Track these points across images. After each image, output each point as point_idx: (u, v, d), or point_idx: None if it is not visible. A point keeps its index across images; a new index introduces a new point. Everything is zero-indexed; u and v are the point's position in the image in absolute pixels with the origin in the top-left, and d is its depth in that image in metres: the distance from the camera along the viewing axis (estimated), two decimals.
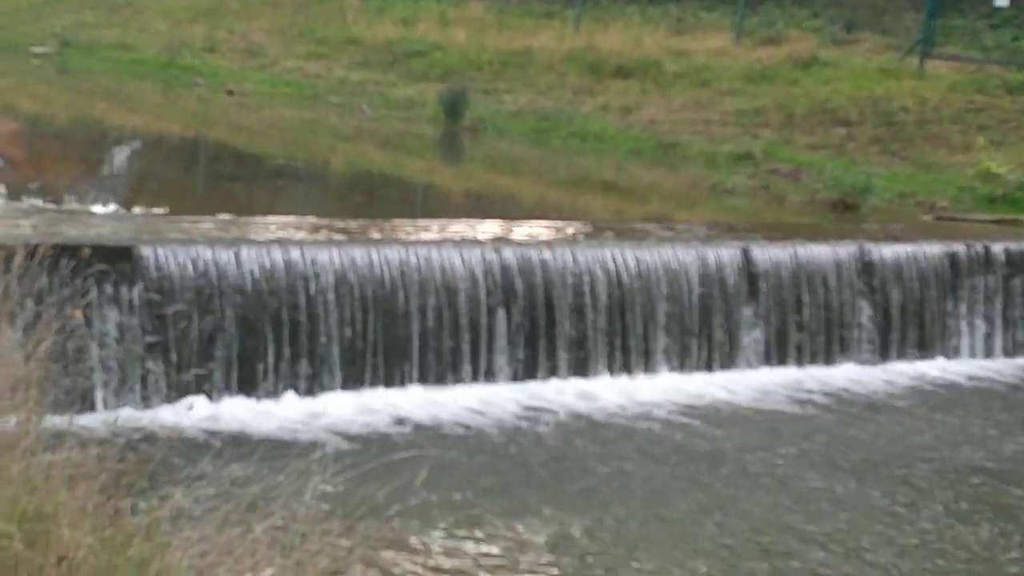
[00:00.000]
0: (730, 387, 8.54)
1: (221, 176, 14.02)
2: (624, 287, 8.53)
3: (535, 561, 5.73)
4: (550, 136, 15.74)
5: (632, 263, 8.55)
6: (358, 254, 7.73)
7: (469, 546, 5.84)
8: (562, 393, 8.08)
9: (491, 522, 6.08)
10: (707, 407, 8.15)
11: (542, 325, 8.27)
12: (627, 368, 8.47)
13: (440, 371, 7.98)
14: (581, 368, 8.38)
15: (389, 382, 7.83)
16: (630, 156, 15.28)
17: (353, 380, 7.75)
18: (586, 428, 7.65)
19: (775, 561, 5.83)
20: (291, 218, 9.21)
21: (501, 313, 8.12)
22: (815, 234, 10.35)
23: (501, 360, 8.16)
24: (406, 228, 8.95)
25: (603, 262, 8.47)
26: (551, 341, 8.29)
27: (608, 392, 8.18)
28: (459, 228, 9.16)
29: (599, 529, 6.07)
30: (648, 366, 8.54)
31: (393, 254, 7.87)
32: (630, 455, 7.17)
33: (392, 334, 7.84)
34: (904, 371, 9.29)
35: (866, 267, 9.41)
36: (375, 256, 7.82)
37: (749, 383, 8.68)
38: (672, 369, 8.69)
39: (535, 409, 7.82)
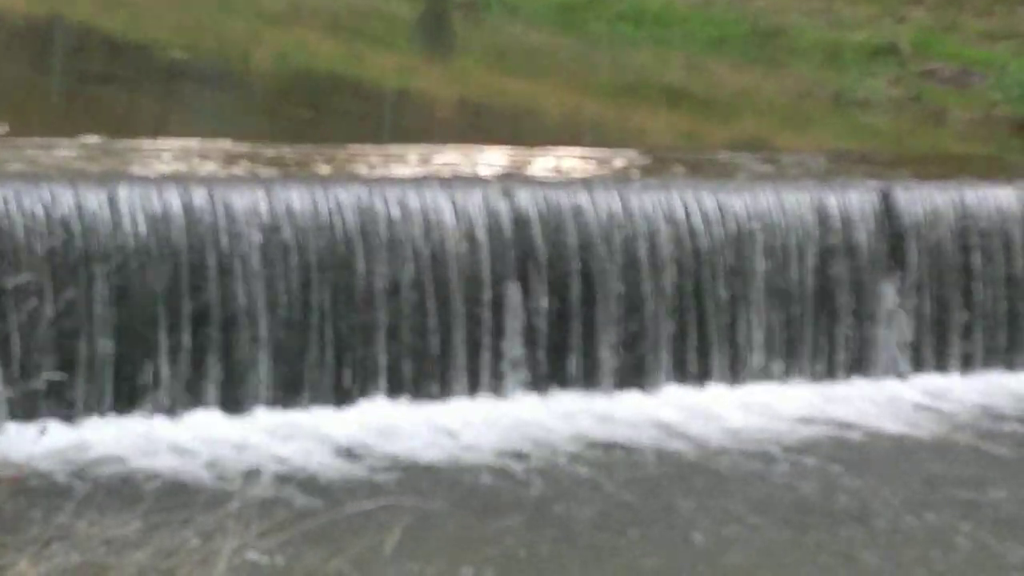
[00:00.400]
0: (863, 406, 8.81)
1: (88, 77, 14.37)
2: (700, 251, 8.74)
3: None
4: (587, 18, 17.01)
5: (714, 214, 8.78)
6: (297, 198, 7.89)
7: None
8: (608, 414, 8.31)
9: None
10: (831, 438, 8.30)
11: (576, 309, 8.48)
12: (704, 375, 8.68)
13: (421, 379, 8.17)
14: (634, 375, 8.62)
15: (343, 396, 8.04)
16: (710, 49, 16.02)
17: (289, 391, 7.97)
18: (649, 469, 7.76)
19: None
20: (194, 141, 9.50)
21: (514, 290, 8.32)
22: (992, 171, 10.76)
23: (514, 362, 8.38)
24: (369, 158, 9.18)
25: (669, 212, 8.69)
26: (589, 334, 8.51)
27: (675, 412, 8.40)
28: (450, 159, 9.41)
29: None
30: (736, 372, 8.83)
31: (350, 198, 8.04)
32: (730, 514, 7.32)
33: (349, 322, 8.02)
34: None
35: None
36: (323, 201, 7.98)
37: (891, 398, 9.01)
38: (771, 377, 8.94)
39: (567, 438, 7.99)
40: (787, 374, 9.03)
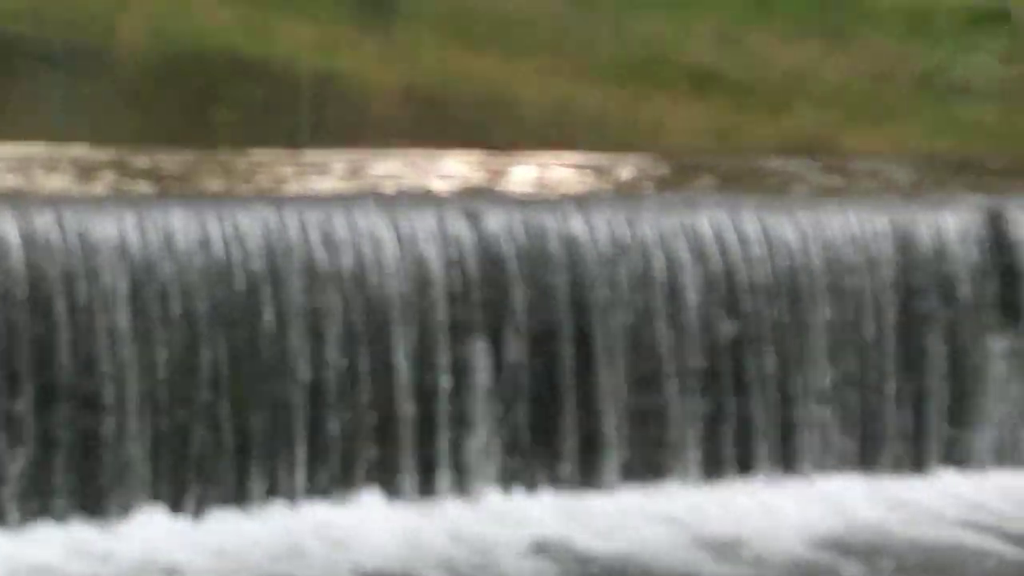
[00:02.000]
0: (957, 512, 7.56)
1: None
2: (738, 291, 7.58)
3: None
4: None
5: (758, 242, 7.66)
6: (179, 225, 7.05)
7: None
8: (618, 521, 7.17)
9: None
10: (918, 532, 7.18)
11: (568, 374, 7.40)
12: (745, 465, 7.57)
13: (354, 473, 7.18)
14: (650, 466, 7.47)
15: (244, 495, 7.09)
16: (750, 15, 16.18)
17: (169, 488, 7.02)
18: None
19: None
20: (38, 146, 9.03)
21: (481, 348, 7.26)
22: None
23: (481, 451, 7.31)
24: (279, 168, 8.43)
25: (696, 240, 7.60)
26: (588, 410, 7.37)
27: (706, 520, 7.16)
28: (391, 169, 8.52)
29: None
30: (788, 460, 7.64)
31: (254, 224, 7.09)
32: None
33: (252, 392, 7.08)
34: None
35: None
36: (216, 228, 7.09)
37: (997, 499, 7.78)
38: (833, 466, 7.67)
39: (565, 556, 6.88)
40: (862, 464, 7.74)
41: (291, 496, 7.27)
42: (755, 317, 7.58)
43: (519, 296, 7.23)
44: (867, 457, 7.78)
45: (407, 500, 7.29)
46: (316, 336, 7.13)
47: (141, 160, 8.43)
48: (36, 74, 13.81)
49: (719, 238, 7.55)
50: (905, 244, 7.88)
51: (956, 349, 7.95)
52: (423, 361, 7.23)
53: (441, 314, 7.16)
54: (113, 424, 7.07)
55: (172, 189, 7.88)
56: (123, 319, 6.96)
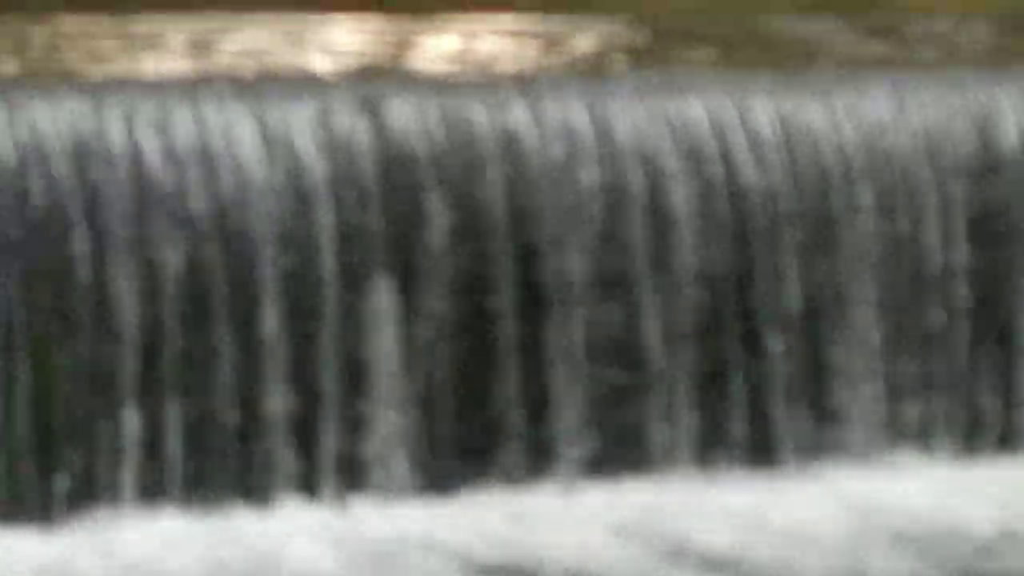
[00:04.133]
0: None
1: None
2: (745, 203, 5.92)
3: None
4: None
5: (774, 138, 5.95)
6: None
7: None
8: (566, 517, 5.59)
9: None
10: None
11: (508, 331, 5.77)
12: (768, 457, 5.94)
13: (210, 476, 5.69)
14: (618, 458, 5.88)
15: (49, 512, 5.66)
16: None
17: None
18: None
19: None
20: None
21: (384, 288, 5.67)
22: None
23: (385, 430, 5.66)
24: (96, 41, 6.77)
25: (687, 136, 5.91)
26: (532, 368, 5.70)
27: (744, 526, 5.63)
28: (256, 40, 6.94)
29: None
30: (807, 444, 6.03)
31: (57, 120, 5.57)
32: None
33: (58, 355, 5.58)
34: None
35: None
36: (2, 125, 5.56)
37: None
38: (872, 454, 6.04)
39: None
40: (928, 439, 5.87)
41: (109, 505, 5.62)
42: (769, 233, 6.06)
43: (437, 220, 5.67)
44: (926, 429, 6.14)
45: (279, 503, 5.55)
46: (141, 272, 5.54)
47: None
48: None
49: (718, 134, 5.76)
50: (984, 136, 6.21)
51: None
52: (305, 306, 5.65)
53: (326, 242, 5.55)
54: None
55: None
56: None
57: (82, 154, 5.23)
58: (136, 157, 5.25)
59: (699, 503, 5.44)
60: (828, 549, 5.14)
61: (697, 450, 5.57)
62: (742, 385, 5.65)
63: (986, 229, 5.75)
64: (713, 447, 5.58)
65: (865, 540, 5.24)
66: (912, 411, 5.87)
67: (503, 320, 5.42)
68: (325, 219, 5.31)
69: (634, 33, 6.96)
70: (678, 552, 5.13)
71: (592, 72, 6.08)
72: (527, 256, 5.43)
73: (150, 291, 5.20)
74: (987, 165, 5.86)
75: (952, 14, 7.81)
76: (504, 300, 5.47)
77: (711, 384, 5.55)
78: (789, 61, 6.35)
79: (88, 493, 5.23)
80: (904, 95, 5.79)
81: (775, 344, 5.61)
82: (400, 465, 5.33)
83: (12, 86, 5.48)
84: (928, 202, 5.75)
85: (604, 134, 5.53)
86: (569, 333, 5.45)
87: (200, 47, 6.22)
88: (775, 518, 5.43)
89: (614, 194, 5.48)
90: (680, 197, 5.54)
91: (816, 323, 5.63)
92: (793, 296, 5.62)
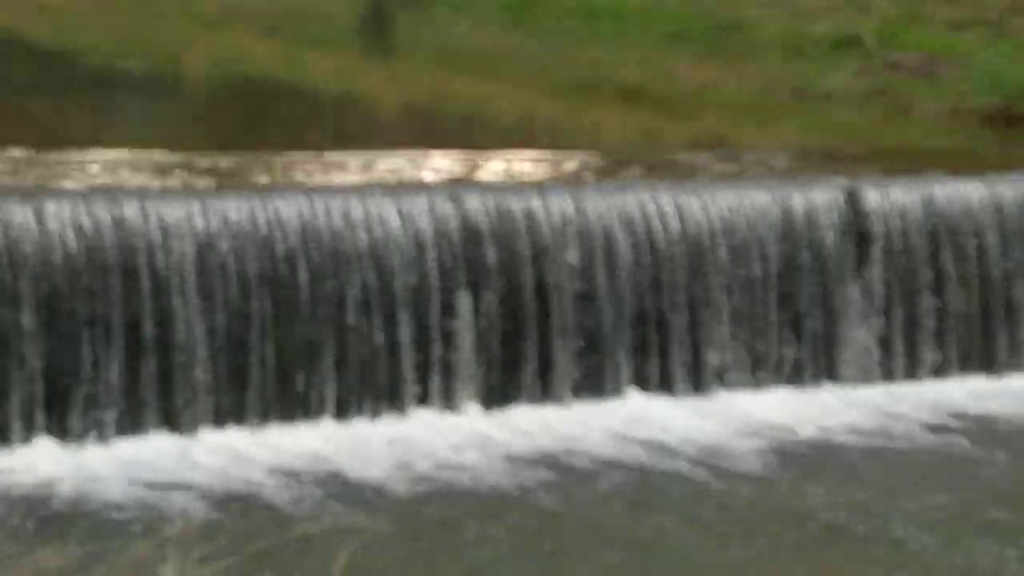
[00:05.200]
0: (828, 415, 9.37)
1: (11, 86, 15.67)
2: (659, 254, 9.23)
3: None
4: (537, 13, 19.36)
5: (673, 217, 9.30)
6: (233, 209, 8.42)
7: None
8: (565, 426, 8.84)
9: None
10: (793, 444, 8.91)
11: (530, 317, 8.98)
12: (665, 383, 9.15)
13: (367, 396, 8.72)
14: (592, 385, 9.14)
15: (287, 415, 8.56)
16: (667, 43, 17.98)
17: (227, 412, 8.50)
18: (607, 485, 8.18)
19: None
20: (125, 152, 10.08)
21: (465, 300, 8.81)
22: (963, 165, 11.56)
23: (465, 375, 8.92)
24: (309, 166, 9.79)
25: (626, 215, 9.23)
26: (544, 343, 9.03)
27: (633, 422, 8.96)
28: (395, 164, 9.95)
29: None
30: (698, 379, 9.40)
31: (290, 209, 8.57)
32: (685, 527, 7.96)
33: (290, 338, 8.56)
34: None
35: None
36: (261, 212, 8.52)
37: (858, 405, 9.65)
38: (735, 385, 9.53)
39: (520, 458, 8.48)
40: (755, 382, 9.52)
41: (317, 415, 8.77)
42: (670, 274, 9.27)
43: (492, 260, 8.91)
44: (756, 381, 9.45)
45: (409, 411, 8.79)
46: (338, 293, 8.68)
47: (203, 161, 9.78)
48: (124, 98, 15.34)
49: (644, 214, 9.29)
50: (783, 215, 9.71)
51: (821, 294, 9.77)
52: (416, 312, 8.81)
53: (432, 272, 8.78)
54: (182, 349, 8.41)
55: (227, 182, 9.21)
56: (191, 280, 8.30)
57: (303, 228, 8.46)
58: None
59: None
60: None
61: None
62: None
63: (787, 284, 9.46)
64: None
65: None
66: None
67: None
68: (448, 252, 8.61)
69: (597, 159, 10.60)
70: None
71: (574, 181, 9.75)
72: (540, 277, 8.80)
73: (340, 299, 8.36)
74: (789, 233, 9.44)
75: (768, 149, 11.54)
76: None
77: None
78: (679, 174, 10.01)
79: None
80: (741, 194, 9.38)
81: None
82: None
83: (264, 190, 8.68)
84: (759, 258, 9.38)
85: (580, 215, 8.90)
86: (563, 314, 9.02)
87: (366, 168, 9.64)
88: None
89: (586, 244, 8.86)
90: (624, 255, 8.99)
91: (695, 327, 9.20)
92: (681, 308, 9.11)
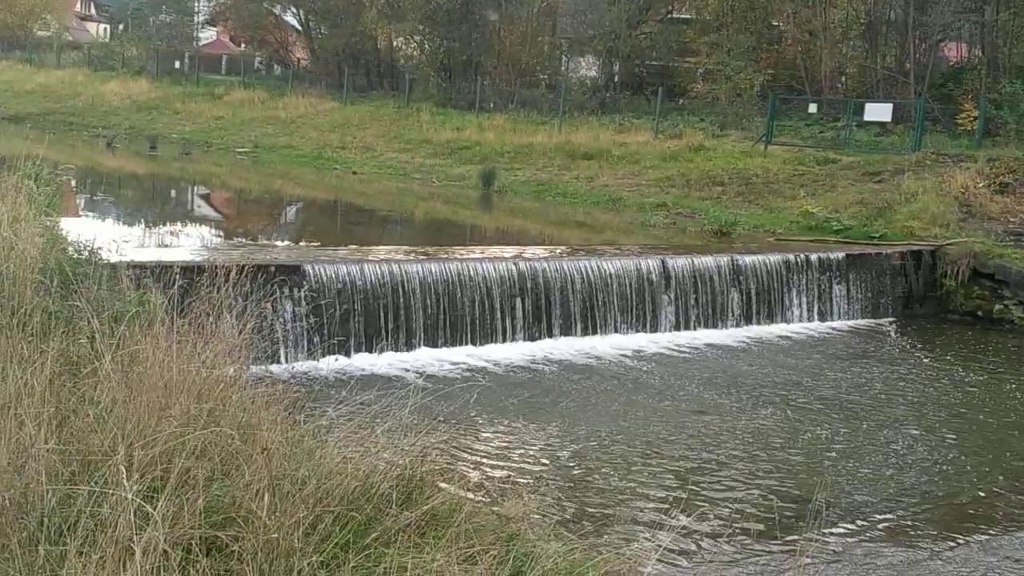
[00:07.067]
0: (655, 342, 17.13)
1: (350, 222, 26.59)
2: (592, 283, 17.01)
3: (547, 443, 11.51)
4: (545, 195, 32.53)
5: (595, 269, 16.94)
6: (433, 267, 15.74)
7: (502, 437, 10.78)
8: (557, 347, 16.88)
9: (517, 421, 11.80)
10: (641, 354, 16.68)
11: (543, 307, 16.89)
12: (594, 331, 17.30)
13: (482, 336, 16.36)
14: (567, 332, 17.18)
15: (452, 342, 15.97)
16: (593, 206, 30.05)
17: (431, 341, 15.81)
18: (571, 367, 14.85)
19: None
20: (392, 247, 17.43)
21: (519, 301, 16.70)
22: (704, 250, 19.05)
23: (519, 328, 16.68)
24: (460, 251, 17.10)
25: (579, 269, 17.06)
26: (549, 316, 17.03)
27: (584, 345, 16.80)
28: (493, 250, 17.28)
29: (584, 423, 12.74)
30: (606, 330, 17.43)
31: (453, 266, 16.12)
32: (597, 383, 14.65)
33: (454, 313, 15.95)
34: (759, 332, 18.94)
35: (735, 268, 18.77)
36: (442, 268, 15.84)
37: (666, 340, 17.61)
38: (620, 331, 17.40)
39: (540, 360, 15.58)
40: (628, 330, 17.32)
41: (464, 344, 16.26)
42: (596, 290, 17.14)
43: (529, 286, 16.72)
44: (628, 330, 17.71)
45: (498, 342, 16.71)
46: (471, 297, 16.25)
47: (421, 249, 16.71)
48: (391, 226, 25.89)
49: (585, 269, 17.31)
50: (637, 268, 17.39)
51: (652, 297, 17.62)
52: (500, 304, 16.40)
53: (506, 290, 16.41)
54: (414, 318, 14.88)
55: (430, 256, 15.94)
56: (417, 293, 15.22)
57: (460, 274, 17.14)
58: (469, 274, 17.34)
59: None
60: None
61: None
62: None
63: (640, 293, 18.66)
64: None
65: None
66: None
67: (551, 305, 17.95)
68: (512, 282, 17.61)
69: (567, 249, 19.73)
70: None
71: (559, 256, 18.80)
72: (564, 298, 18.08)
73: (472, 297, 17.42)
74: (639, 275, 18.61)
75: (631, 245, 20.01)
76: (555, 302, 18.25)
77: (592, 315, 18.58)
78: (598, 254, 18.76)
79: None
80: (623, 261, 18.64)
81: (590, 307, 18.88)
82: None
83: (443, 260, 17.50)
84: (629, 284, 18.66)
85: (560, 269, 17.90)
86: (555, 307, 18.39)
87: (483, 252, 18.32)
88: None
89: (566, 281, 17.97)
90: (578, 284, 18.07)
91: (606, 309, 18.67)
92: (598, 303, 18.51)
